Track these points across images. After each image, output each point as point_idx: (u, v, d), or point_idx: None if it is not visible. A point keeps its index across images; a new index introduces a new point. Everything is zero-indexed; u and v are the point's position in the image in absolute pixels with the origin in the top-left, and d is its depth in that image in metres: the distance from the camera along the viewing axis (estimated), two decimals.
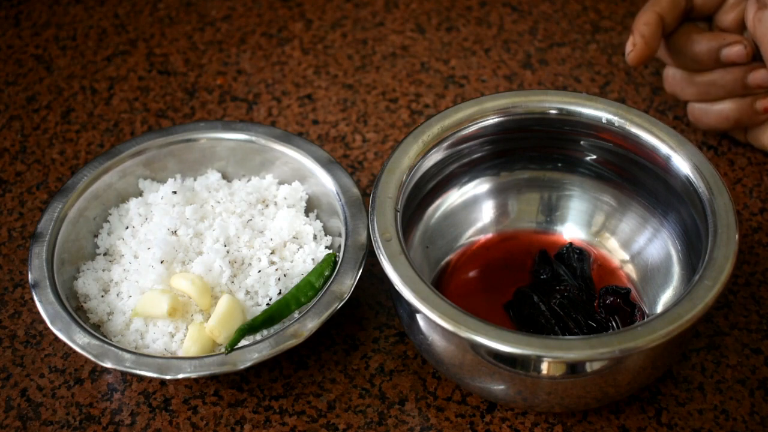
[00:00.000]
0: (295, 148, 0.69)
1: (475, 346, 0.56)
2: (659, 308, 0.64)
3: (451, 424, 0.62)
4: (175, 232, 0.66)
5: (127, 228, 0.68)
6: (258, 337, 0.62)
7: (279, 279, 0.64)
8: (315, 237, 0.68)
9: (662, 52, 0.71)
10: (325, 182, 0.68)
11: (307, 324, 0.60)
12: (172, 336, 0.62)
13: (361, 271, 0.63)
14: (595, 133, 0.66)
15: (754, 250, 0.70)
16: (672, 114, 0.80)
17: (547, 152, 0.69)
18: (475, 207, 0.69)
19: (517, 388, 0.58)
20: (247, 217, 0.67)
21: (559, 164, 0.69)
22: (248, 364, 0.59)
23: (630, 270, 0.67)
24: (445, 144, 0.65)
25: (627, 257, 0.67)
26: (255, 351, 0.59)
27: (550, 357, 0.55)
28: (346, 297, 0.61)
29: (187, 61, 0.85)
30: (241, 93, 0.83)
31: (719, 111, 0.70)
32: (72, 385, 0.64)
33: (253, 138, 0.70)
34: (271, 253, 0.66)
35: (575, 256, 0.66)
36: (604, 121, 0.65)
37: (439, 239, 0.68)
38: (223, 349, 0.61)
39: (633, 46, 0.69)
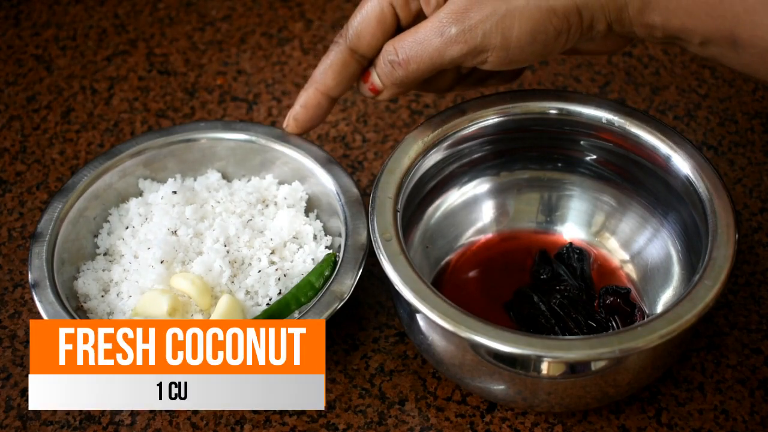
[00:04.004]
0: (295, 148, 0.69)
1: (475, 346, 0.56)
2: (659, 308, 0.64)
3: (451, 424, 0.62)
4: (175, 232, 0.66)
5: (127, 228, 0.68)
6: None
7: (279, 279, 0.64)
8: (315, 237, 0.68)
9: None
10: (325, 182, 0.68)
11: None
12: None
13: (361, 271, 0.62)
14: (595, 133, 0.66)
15: (754, 250, 0.70)
16: (672, 114, 0.80)
17: (547, 152, 0.69)
18: (475, 207, 0.69)
19: (517, 388, 0.58)
20: (247, 217, 0.67)
21: (559, 164, 0.69)
22: None
23: (630, 270, 0.67)
24: (445, 144, 0.65)
25: (627, 257, 0.67)
26: None
27: (550, 357, 0.55)
28: (346, 297, 0.61)
29: (187, 61, 0.85)
30: (241, 93, 0.83)
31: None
32: None
33: (253, 138, 0.70)
34: (271, 253, 0.66)
35: (575, 256, 0.66)
36: (604, 121, 0.65)
37: (439, 239, 0.68)
38: None
39: (290, 122, 0.67)
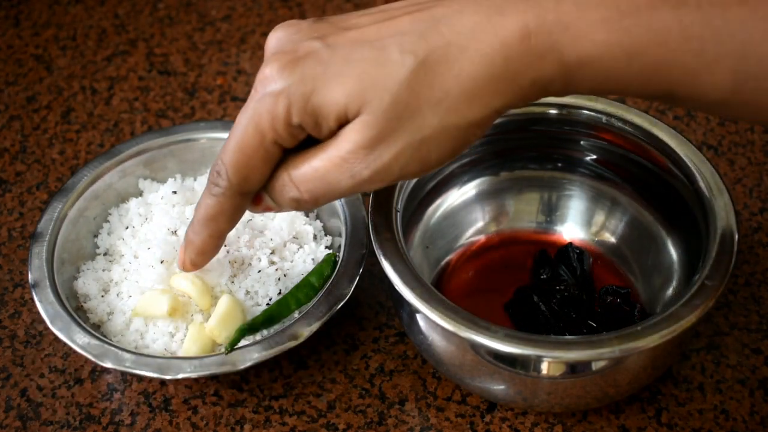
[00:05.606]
0: None
1: (475, 346, 0.56)
2: (659, 308, 0.64)
3: (451, 424, 0.62)
4: (175, 232, 0.66)
5: (127, 228, 0.68)
6: (258, 337, 0.62)
7: (279, 279, 0.64)
8: (315, 237, 0.68)
9: None
10: None
11: (306, 324, 0.60)
12: (172, 336, 0.62)
13: (361, 271, 0.63)
14: (595, 133, 0.66)
15: (754, 250, 0.70)
16: (672, 114, 0.80)
17: (547, 152, 0.69)
18: (475, 207, 0.69)
19: (517, 388, 0.58)
20: (247, 216, 0.67)
21: (559, 164, 0.69)
22: (248, 364, 0.59)
23: (630, 270, 0.67)
24: None
25: (627, 257, 0.67)
26: (255, 351, 0.59)
27: (550, 357, 0.55)
28: (346, 297, 0.61)
29: (187, 61, 0.85)
30: (241, 93, 0.83)
31: None
32: (72, 385, 0.64)
33: None
34: (271, 253, 0.66)
35: (575, 256, 0.66)
36: (604, 121, 0.65)
37: (439, 239, 0.68)
38: (223, 349, 0.61)
39: (187, 267, 0.60)
